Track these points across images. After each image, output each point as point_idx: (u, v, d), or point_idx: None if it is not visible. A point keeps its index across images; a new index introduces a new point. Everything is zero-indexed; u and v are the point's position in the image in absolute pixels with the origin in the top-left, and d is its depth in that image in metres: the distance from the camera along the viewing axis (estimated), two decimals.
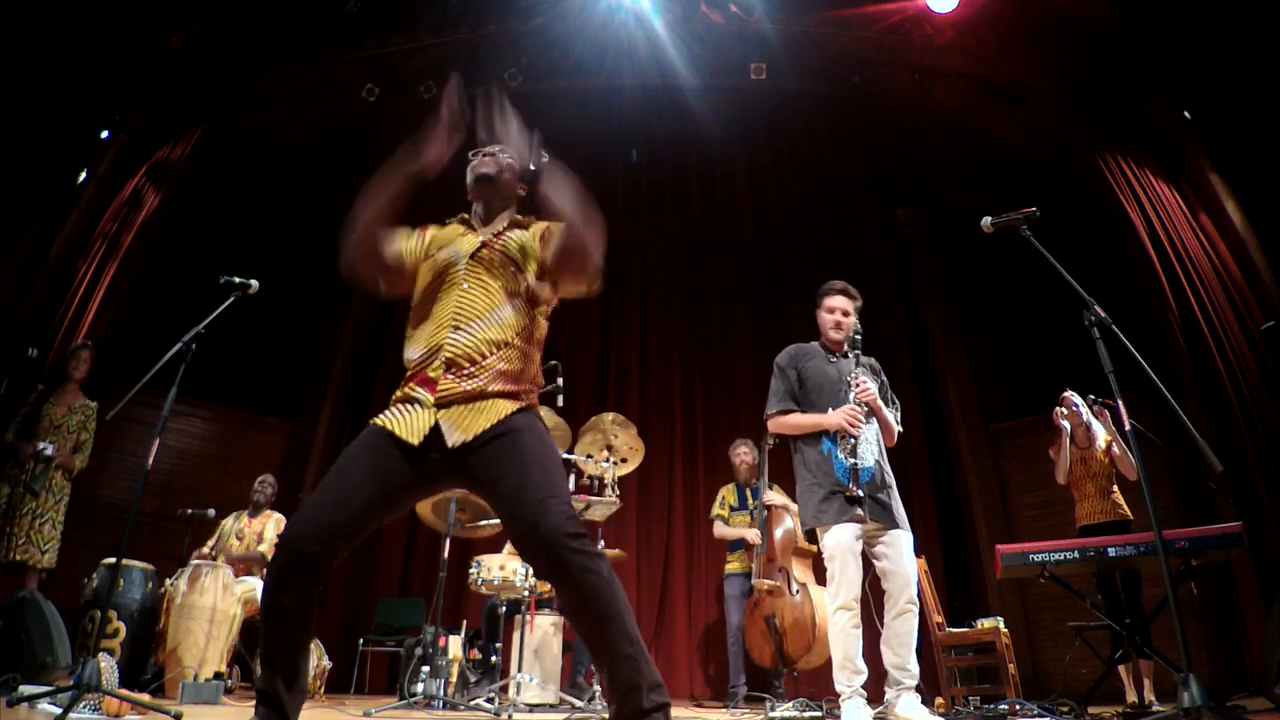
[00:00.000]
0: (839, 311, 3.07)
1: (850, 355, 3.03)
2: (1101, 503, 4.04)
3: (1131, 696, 3.77)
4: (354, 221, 1.73)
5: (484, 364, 1.65)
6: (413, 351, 1.71)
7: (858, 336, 3.04)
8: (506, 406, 1.63)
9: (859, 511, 2.75)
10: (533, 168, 1.81)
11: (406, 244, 1.85)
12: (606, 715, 1.53)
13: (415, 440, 1.57)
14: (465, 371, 1.63)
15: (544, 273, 1.80)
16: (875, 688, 2.84)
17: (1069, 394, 4.18)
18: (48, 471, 3.96)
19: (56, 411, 4.15)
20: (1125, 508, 4.03)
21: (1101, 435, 4.09)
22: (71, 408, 4.19)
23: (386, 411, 1.65)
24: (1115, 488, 4.08)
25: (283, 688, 1.51)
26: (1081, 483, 4.14)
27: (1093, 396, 4.04)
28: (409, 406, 1.63)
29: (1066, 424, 4.16)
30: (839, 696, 2.75)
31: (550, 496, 1.51)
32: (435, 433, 1.59)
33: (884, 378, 3.12)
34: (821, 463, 2.87)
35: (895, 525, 2.80)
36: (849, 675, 2.71)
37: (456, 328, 1.67)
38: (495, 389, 1.64)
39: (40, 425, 4.08)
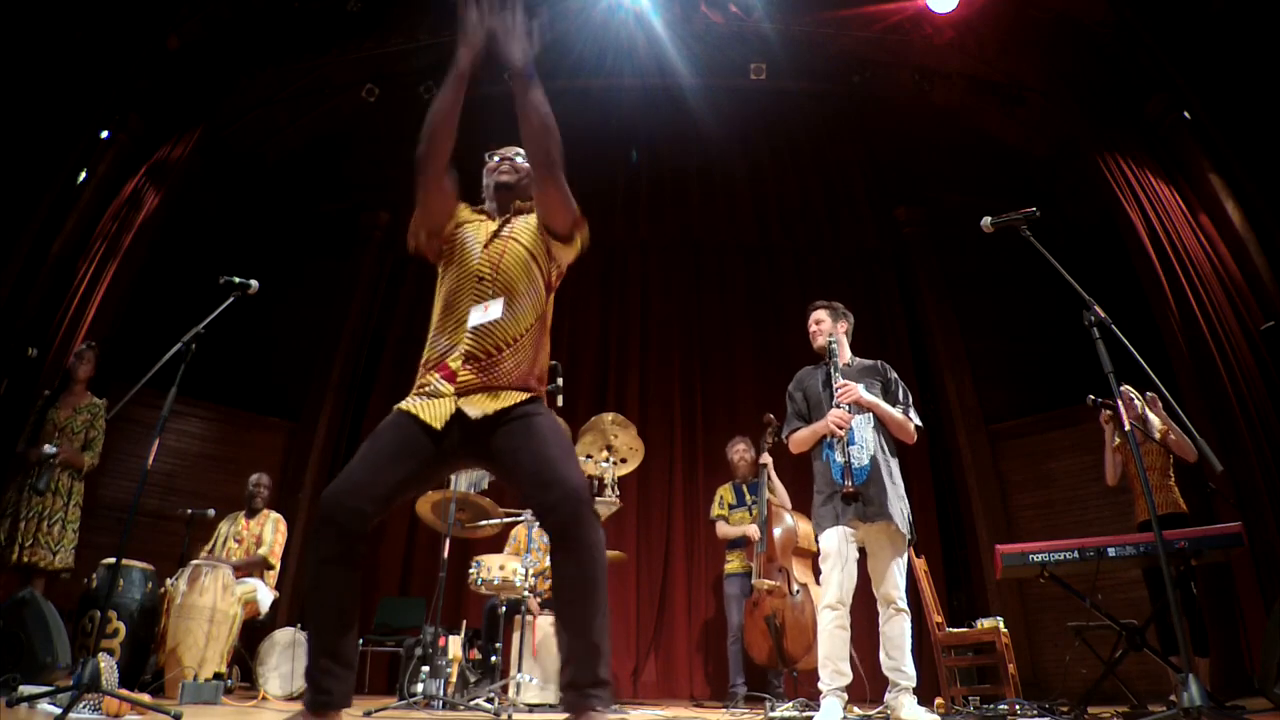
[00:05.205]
0: (813, 323, 3.38)
1: (830, 362, 3.20)
2: (1157, 497, 3.92)
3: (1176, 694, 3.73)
4: (426, 125, 1.84)
5: (499, 356, 1.78)
6: (436, 339, 1.85)
7: (833, 344, 3.23)
8: (519, 396, 1.77)
9: (856, 508, 2.91)
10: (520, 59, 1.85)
11: (452, 196, 1.96)
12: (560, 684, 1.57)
13: (438, 425, 1.72)
14: (482, 364, 1.77)
15: (546, 234, 1.92)
16: (876, 691, 2.86)
17: (1124, 388, 4.02)
18: (51, 471, 3.95)
19: (60, 414, 4.14)
20: (1182, 502, 3.97)
21: (1156, 426, 4.04)
22: (77, 408, 4.18)
23: (411, 398, 1.79)
24: (1171, 481, 4.02)
25: (328, 668, 1.55)
26: (1137, 479, 3.98)
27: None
28: (432, 395, 1.77)
29: (1109, 426, 4.15)
30: (820, 694, 2.91)
31: (573, 464, 1.68)
32: (455, 418, 1.73)
33: (891, 375, 3.29)
34: (822, 469, 3.09)
35: (890, 522, 2.92)
36: (830, 674, 2.87)
37: (475, 326, 1.79)
38: (507, 382, 1.77)
39: (45, 429, 4.08)
